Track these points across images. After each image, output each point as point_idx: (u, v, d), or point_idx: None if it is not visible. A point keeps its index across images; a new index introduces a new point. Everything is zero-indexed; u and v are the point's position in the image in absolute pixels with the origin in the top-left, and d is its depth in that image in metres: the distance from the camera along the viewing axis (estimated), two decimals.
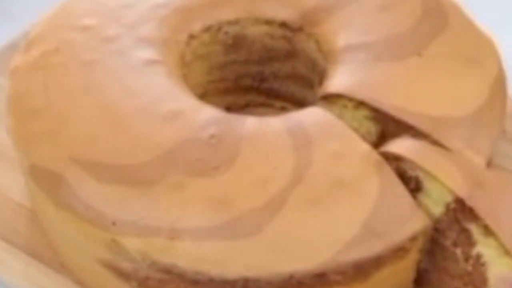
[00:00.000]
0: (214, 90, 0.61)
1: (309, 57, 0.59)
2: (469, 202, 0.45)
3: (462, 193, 0.45)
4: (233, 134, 0.49)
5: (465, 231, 0.46)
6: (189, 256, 0.46)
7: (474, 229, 0.45)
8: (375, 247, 0.46)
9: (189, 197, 0.47)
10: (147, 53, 0.55)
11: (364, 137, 0.51)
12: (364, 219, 0.46)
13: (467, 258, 0.46)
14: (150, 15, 0.57)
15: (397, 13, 0.57)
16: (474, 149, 0.50)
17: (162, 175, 0.48)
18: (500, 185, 0.46)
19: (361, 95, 0.52)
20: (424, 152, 0.48)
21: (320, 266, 0.45)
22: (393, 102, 0.51)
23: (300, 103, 0.61)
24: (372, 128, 0.52)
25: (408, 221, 0.47)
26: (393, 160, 0.48)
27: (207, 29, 0.58)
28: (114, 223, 0.47)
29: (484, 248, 0.45)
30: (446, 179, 0.46)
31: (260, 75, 0.62)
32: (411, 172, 0.47)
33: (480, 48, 0.56)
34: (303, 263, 0.45)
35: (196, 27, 0.58)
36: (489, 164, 0.52)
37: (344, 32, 0.56)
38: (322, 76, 0.56)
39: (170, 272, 0.47)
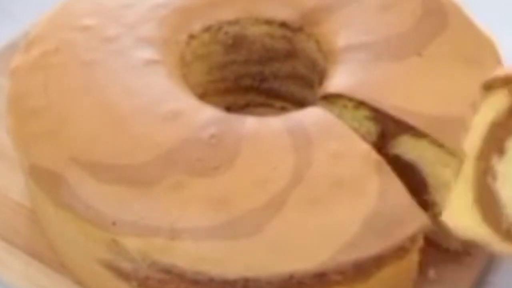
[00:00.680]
0: (214, 90, 0.61)
1: (309, 57, 0.58)
2: None
3: None
4: (233, 134, 0.49)
5: None
6: (189, 256, 0.46)
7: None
8: (375, 247, 0.46)
9: (189, 197, 0.47)
10: (147, 53, 0.55)
11: (364, 137, 0.51)
12: (364, 219, 0.46)
13: None
14: (150, 15, 0.57)
15: (397, 13, 0.57)
16: None
17: (162, 175, 0.48)
18: None
19: (361, 95, 0.52)
20: None
21: (320, 266, 0.45)
22: (393, 102, 0.51)
23: (300, 103, 0.61)
24: (372, 128, 0.52)
25: (408, 221, 0.47)
26: None
27: (207, 29, 0.58)
28: (114, 223, 0.47)
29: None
30: None
31: (260, 75, 0.62)
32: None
33: (480, 48, 0.56)
34: (303, 263, 0.45)
35: (196, 27, 0.58)
36: None
37: (344, 32, 0.56)
38: (322, 76, 0.56)
39: (170, 272, 0.47)
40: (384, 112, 0.51)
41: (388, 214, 0.46)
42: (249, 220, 0.46)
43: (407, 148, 0.51)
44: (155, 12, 0.57)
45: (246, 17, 0.59)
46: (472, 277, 0.53)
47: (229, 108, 0.62)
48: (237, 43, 0.60)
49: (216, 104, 0.58)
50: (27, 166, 0.51)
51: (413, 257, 0.49)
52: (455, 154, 0.47)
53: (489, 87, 0.42)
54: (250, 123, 0.50)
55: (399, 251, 0.47)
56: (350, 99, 0.52)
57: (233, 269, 0.45)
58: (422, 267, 0.51)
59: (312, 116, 0.51)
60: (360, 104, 0.52)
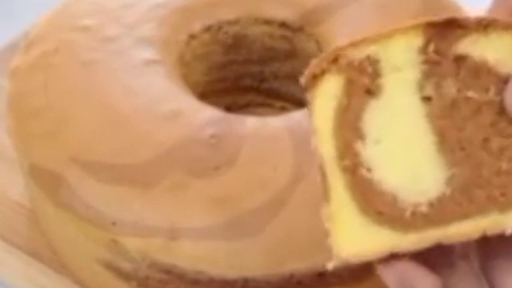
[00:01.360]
0: (214, 90, 0.61)
1: (309, 57, 0.58)
2: None
3: None
4: (233, 134, 0.49)
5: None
6: (189, 256, 0.46)
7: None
8: None
9: (189, 197, 0.47)
10: (147, 53, 0.54)
11: None
12: None
13: None
14: (150, 15, 0.57)
15: (397, 13, 0.57)
16: None
17: (162, 175, 0.48)
18: None
19: None
20: None
21: (320, 266, 0.45)
22: None
23: (300, 103, 0.61)
24: None
25: None
26: None
27: (207, 29, 0.58)
28: (114, 223, 0.47)
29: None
30: None
31: (260, 75, 0.62)
32: None
33: None
34: (303, 263, 0.45)
35: (196, 27, 0.58)
36: None
37: (344, 32, 0.56)
38: None
39: (170, 272, 0.47)
40: None
41: None
42: (249, 220, 0.46)
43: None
44: (155, 12, 0.57)
45: (246, 17, 0.59)
46: None
47: (229, 108, 0.62)
48: (237, 43, 0.60)
49: (216, 104, 0.58)
50: (27, 166, 0.51)
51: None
52: None
53: (312, 79, 0.39)
54: (250, 123, 0.50)
55: None
56: None
57: (233, 269, 0.45)
58: None
59: None
60: None
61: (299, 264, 0.45)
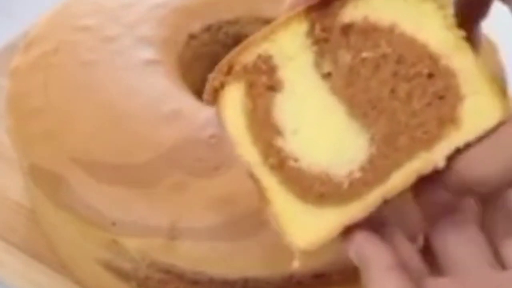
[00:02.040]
0: None
1: None
2: None
3: None
4: None
5: None
6: (188, 256, 0.46)
7: None
8: None
9: (189, 197, 0.47)
10: (147, 53, 0.54)
11: None
12: None
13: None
14: (149, 15, 0.57)
15: None
16: None
17: (162, 175, 0.48)
18: None
19: None
20: None
21: (320, 266, 0.45)
22: None
23: None
24: None
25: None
26: None
27: (207, 29, 0.58)
28: (114, 223, 0.47)
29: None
30: None
31: None
32: None
33: (480, 48, 0.56)
34: (303, 263, 0.45)
35: (196, 27, 0.58)
36: None
37: None
38: None
39: (169, 272, 0.47)
40: None
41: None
42: (249, 220, 0.46)
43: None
44: (155, 12, 0.57)
45: (246, 17, 0.59)
46: None
47: None
48: (237, 43, 0.59)
49: None
50: (27, 166, 0.51)
51: None
52: None
53: (214, 94, 0.39)
54: None
55: None
56: None
57: (233, 269, 0.45)
58: None
59: None
60: None
61: (299, 264, 0.45)
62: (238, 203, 0.46)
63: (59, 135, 0.50)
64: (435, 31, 0.37)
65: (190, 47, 0.57)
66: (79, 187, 0.48)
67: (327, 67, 0.38)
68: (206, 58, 0.59)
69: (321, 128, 0.38)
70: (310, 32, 0.39)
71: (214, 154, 0.48)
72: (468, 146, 0.36)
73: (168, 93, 0.52)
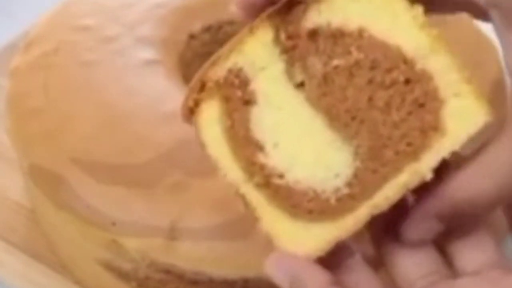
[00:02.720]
0: None
1: None
2: None
3: None
4: None
5: None
6: (188, 256, 0.46)
7: None
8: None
9: (189, 197, 0.47)
10: (147, 53, 0.54)
11: None
12: None
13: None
14: (149, 15, 0.57)
15: None
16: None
17: (162, 175, 0.47)
18: None
19: None
20: None
21: None
22: None
23: None
24: None
25: None
26: None
27: (207, 29, 0.58)
28: (114, 223, 0.47)
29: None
30: None
31: None
32: None
33: (480, 49, 0.56)
34: None
35: (196, 27, 0.58)
36: None
37: None
38: None
39: (169, 272, 0.47)
40: None
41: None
42: (248, 220, 0.46)
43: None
44: (155, 12, 0.57)
45: None
46: None
47: None
48: None
49: None
50: (27, 166, 0.51)
51: None
52: None
53: (189, 114, 0.39)
54: None
55: None
56: None
57: (233, 269, 0.45)
58: None
59: None
60: None
61: None
62: (238, 203, 0.46)
63: (59, 135, 0.50)
64: (407, 33, 0.36)
65: (190, 47, 0.57)
66: (79, 187, 0.48)
67: (299, 76, 0.37)
68: (206, 58, 0.59)
69: (302, 140, 0.37)
70: (276, 40, 0.38)
71: None
72: (457, 163, 0.35)
73: (168, 93, 0.52)
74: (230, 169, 0.38)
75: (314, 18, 0.37)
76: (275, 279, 0.37)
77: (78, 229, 0.49)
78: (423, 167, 0.35)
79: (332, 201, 0.37)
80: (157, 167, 0.48)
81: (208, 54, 0.59)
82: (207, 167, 0.48)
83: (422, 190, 0.36)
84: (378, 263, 0.39)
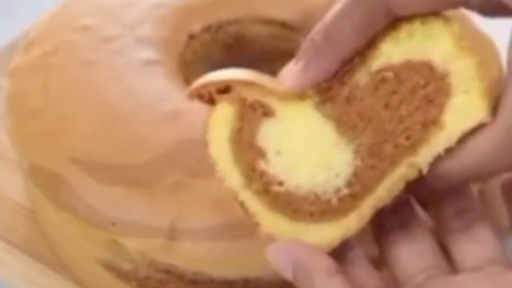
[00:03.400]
0: None
1: None
2: None
3: None
4: None
5: None
6: (188, 256, 0.46)
7: None
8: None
9: (189, 197, 0.47)
10: (147, 53, 0.54)
11: None
12: None
13: None
14: (149, 15, 0.57)
15: None
16: None
17: (162, 175, 0.47)
18: None
19: None
20: None
21: None
22: None
23: None
24: None
25: None
26: None
27: (207, 29, 0.58)
28: (114, 224, 0.47)
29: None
30: None
31: None
32: None
33: (480, 49, 0.56)
34: None
35: (196, 27, 0.58)
36: None
37: None
38: None
39: (169, 272, 0.47)
40: None
41: None
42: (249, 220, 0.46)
43: None
44: (155, 12, 0.57)
45: (246, 17, 0.59)
46: None
47: None
48: (237, 43, 0.60)
49: None
50: (27, 166, 0.51)
51: None
52: None
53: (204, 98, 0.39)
54: None
55: None
56: None
57: (233, 269, 0.45)
58: None
59: None
60: None
61: None
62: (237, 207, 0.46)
63: (59, 135, 0.50)
64: (440, 48, 0.36)
65: (190, 47, 0.57)
66: (79, 187, 0.48)
67: (319, 98, 0.38)
68: (206, 58, 0.59)
69: (306, 147, 0.37)
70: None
71: None
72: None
73: (168, 93, 0.52)
74: (229, 173, 0.38)
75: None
76: (278, 266, 0.37)
77: (78, 229, 0.49)
78: (420, 159, 0.35)
79: (334, 201, 0.37)
80: (157, 167, 0.48)
81: (208, 54, 0.59)
82: (207, 167, 0.48)
83: None
84: (379, 264, 0.40)
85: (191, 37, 0.57)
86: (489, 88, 0.36)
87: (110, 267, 0.49)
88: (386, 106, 0.36)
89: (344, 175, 0.37)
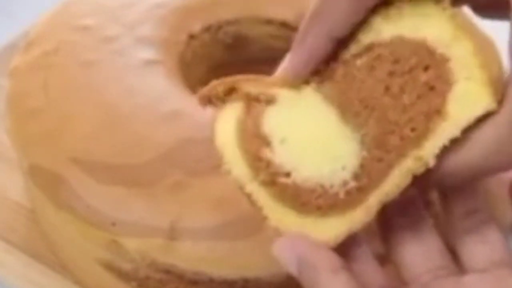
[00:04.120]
0: None
1: None
2: None
3: None
4: None
5: None
6: (188, 256, 0.46)
7: None
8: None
9: (189, 197, 0.47)
10: (147, 53, 0.54)
11: None
12: None
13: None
14: (149, 15, 0.57)
15: None
16: None
17: (162, 175, 0.47)
18: None
19: None
20: None
21: None
22: None
23: None
24: None
25: None
26: None
27: (207, 29, 0.58)
28: (113, 224, 0.47)
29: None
30: None
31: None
32: None
33: (481, 48, 0.56)
34: None
35: (196, 27, 0.58)
36: None
37: None
38: None
39: (169, 272, 0.47)
40: None
41: None
42: (249, 220, 0.46)
43: None
44: (155, 12, 0.57)
45: (246, 17, 0.59)
46: None
47: None
48: (237, 43, 0.60)
49: None
50: (27, 166, 0.51)
51: None
52: None
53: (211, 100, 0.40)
54: None
55: None
56: None
57: (233, 269, 0.45)
58: None
59: None
60: None
61: None
62: (238, 203, 0.46)
63: (59, 135, 0.50)
64: (434, 26, 0.36)
65: (190, 47, 0.57)
66: (79, 187, 0.48)
67: (319, 78, 0.38)
68: (206, 58, 0.59)
69: (311, 135, 0.37)
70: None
71: (214, 154, 0.48)
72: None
73: (168, 93, 0.52)
74: (236, 164, 0.38)
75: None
76: (283, 261, 0.37)
77: (78, 229, 0.49)
78: (426, 152, 0.35)
79: (341, 195, 0.37)
80: (157, 167, 0.48)
81: (208, 54, 0.59)
82: (207, 167, 0.48)
83: None
84: (385, 261, 0.39)
85: (191, 37, 0.57)
86: (492, 76, 0.35)
87: (110, 267, 0.49)
88: (387, 90, 0.36)
89: (351, 167, 0.37)
